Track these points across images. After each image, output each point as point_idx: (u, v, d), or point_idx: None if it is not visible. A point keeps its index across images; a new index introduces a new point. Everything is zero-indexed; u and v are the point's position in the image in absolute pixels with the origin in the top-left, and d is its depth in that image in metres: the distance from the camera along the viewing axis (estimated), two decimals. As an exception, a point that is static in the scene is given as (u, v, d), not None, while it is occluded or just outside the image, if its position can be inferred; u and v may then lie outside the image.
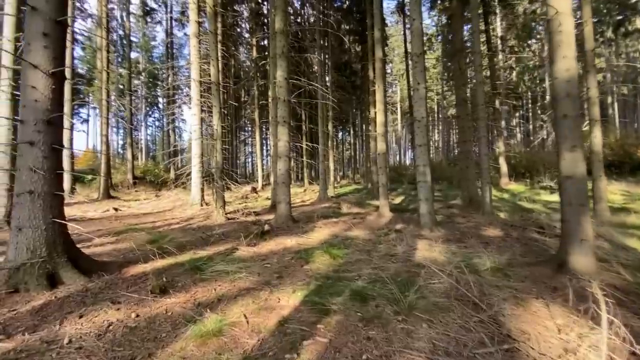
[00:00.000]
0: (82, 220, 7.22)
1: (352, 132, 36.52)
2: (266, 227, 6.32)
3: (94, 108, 47.00)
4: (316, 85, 9.27)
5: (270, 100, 10.03)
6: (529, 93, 31.44)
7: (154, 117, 48.31)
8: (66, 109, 11.27)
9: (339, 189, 21.55)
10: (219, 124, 7.22)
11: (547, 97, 25.60)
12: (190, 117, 10.30)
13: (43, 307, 2.59)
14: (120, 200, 11.60)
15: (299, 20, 25.34)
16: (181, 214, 8.58)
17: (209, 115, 10.12)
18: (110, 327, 2.34)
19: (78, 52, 35.95)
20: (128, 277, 3.37)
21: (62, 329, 2.29)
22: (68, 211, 8.85)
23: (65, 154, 11.51)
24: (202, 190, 9.88)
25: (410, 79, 19.47)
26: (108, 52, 12.29)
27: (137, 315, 2.54)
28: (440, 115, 44.44)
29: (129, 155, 17.29)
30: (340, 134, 40.61)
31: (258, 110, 23.19)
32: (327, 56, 18.96)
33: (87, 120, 47.13)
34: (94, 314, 2.52)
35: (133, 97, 46.92)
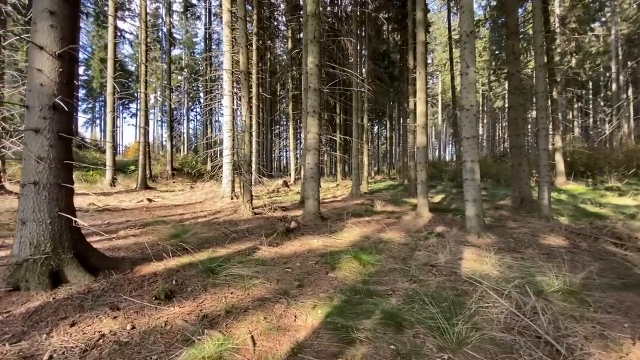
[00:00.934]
0: (115, 210, 7.35)
1: (388, 125, 35.19)
2: (292, 224, 5.92)
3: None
4: (349, 71, 8.65)
5: (303, 90, 9.59)
6: (590, 83, 28.06)
7: (196, 112, 50.38)
8: (109, 103, 11.74)
9: (373, 184, 20.77)
10: (248, 115, 6.91)
11: (614, 87, 22.55)
12: (224, 109, 10.20)
13: (38, 309, 2.36)
14: (156, 191, 11.93)
15: (335, 10, 24.64)
16: (210, 207, 8.49)
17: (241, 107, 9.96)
18: (100, 342, 2.02)
19: (127, 49, 38.15)
20: (137, 277, 3.11)
21: (48, 340, 2.01)
22: (106, 200, 9.23)
23: (108, 146, 12.04)
24: (233, 183, 9.76)
25: (457, 64, 17.98)
26: (146, 45, 12.61)
27: (133, 327, 2.21)
28: (485, 108, 41.45)
29: (168, 147, 17.89)
30: (375, 127, 39.41)
31: (292, 104, 22.97)
32: (363, 46, 18.11)
33: (135, 114, 50.36)
34: (87, 322, 2.24)
35: (176, 92, 49.17)
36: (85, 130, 46.59)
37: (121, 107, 44.70)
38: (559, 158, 16.56)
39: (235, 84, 9.88)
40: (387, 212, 8.43)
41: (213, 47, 30.92)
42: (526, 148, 10.24)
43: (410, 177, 12.98)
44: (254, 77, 18.40)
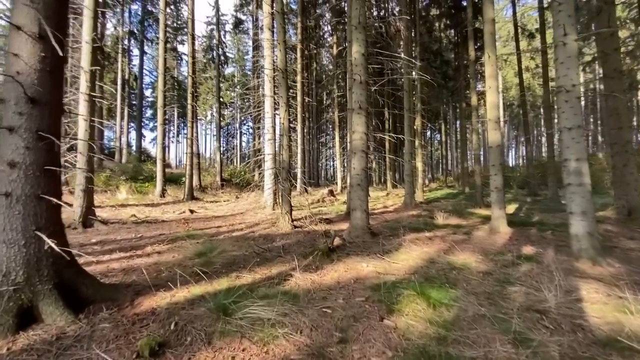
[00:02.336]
0: (153, 222, 7.10)
1: (443, 128, 32.72)
2: (336, 241, 4.95)
3: (200, 120, 53.74)
4: (401, 56, 7.57)
5: (348, 90, 8.71)
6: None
7: (248, 125, 52.56)
8: (159, 116, 12.05)
9: (429, 193, 18.92)
10: (286, 117, 6.20)
11: None
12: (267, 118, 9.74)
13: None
14: (202, 201, 11.89)
15: (382, 13, 23.65)
16: (250, 218, 7.92)
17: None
18: None
19: (184, 69, 41.13)
20: (131, 315, 2.40)
21: None
22: (149, 212, 9.15)
23: (158, 157, 12.35)
24: (275, 192, 9.14)
25: (551, 32, 15.37)
26: (193, 58, 12.86)
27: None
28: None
29: (217, 158, 18.23)
30: (428, 132, 36.93)
31: (338, 111, 22.25)
32: (414, 44, 16.76)
33: (196, 131, 54.06)
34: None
35: (230, 108, 51.79)
36: (152, 147, 51.13)
37: (182, 124, 48.29)
38: (669, 158, 13.29)
39: (275, 89, 9.36)
40: (451, 226, 7.04)
41: (260, 59, 31.72)
42: (632, 144, 8.06)
43: (476, 183, 11.23)
44: (298, 85, 18.10)
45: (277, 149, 8.27)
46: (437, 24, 23.66)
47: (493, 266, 3.92)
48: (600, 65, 8.81)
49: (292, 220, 6.35)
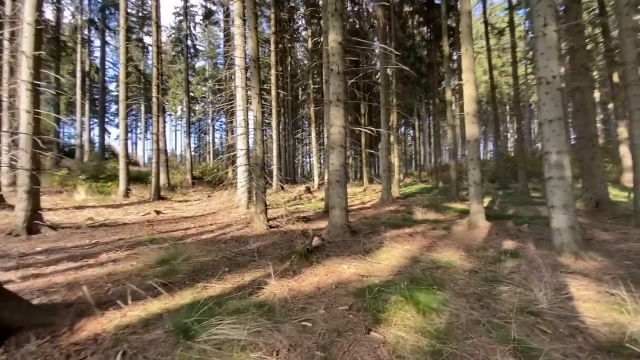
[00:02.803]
0: (113, 226, 6.44)
1: (416, 124, 33.27)
2: (315, 240, 4.65)
3: (169, 115, 51.38)
4: (382, 45, 7.35)
5: (324, 83, 8.39)
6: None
7: (221, 121, 50.87)
8: (121, 109, 11.15)
9: (404, 188, 19.09)
10: (259, 110, 5.78)
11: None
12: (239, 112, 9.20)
13: None
14: (170, 201, 11.15)
15: (356, 9, 23.47)
16: (222, 219, 7.43)
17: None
18: None
19: (152, 61, 39.11)
20: (67, 345, 1.96)
21: None
22: (110, 213, 8.35)
23: (120, 155, 11.44)
24: (249, 190, 8.67)
25: (531, 20, 15.63)
26: (158, 48, 12.00)
27: None
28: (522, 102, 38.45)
29: (187, 155, 17.33)
30: (402, 128, 37.47)
31: (314, 106, 21.89)
32: (389, 41, 16.70)
33: (164, 127, 51.61)
34: None
35: (202, 103, 49.93)
36: (118, 144, 48.35)
37: (150, 119, 45.93)
38: (625, 151, 14.17)
39: (247, 81, 8.86)
40: (430, 221, 6.95)
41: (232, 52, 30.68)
42: (599, 138, 8.37)
43: (451, 178, 11.34)
44: (272, 78, 17.54)
45: (250, 144, 7.81)
46: (410, 21, 23.84)
47: (478, 263, 3.78)
48: (569, 61, 9.07)
49: (268, 220, 5.97)
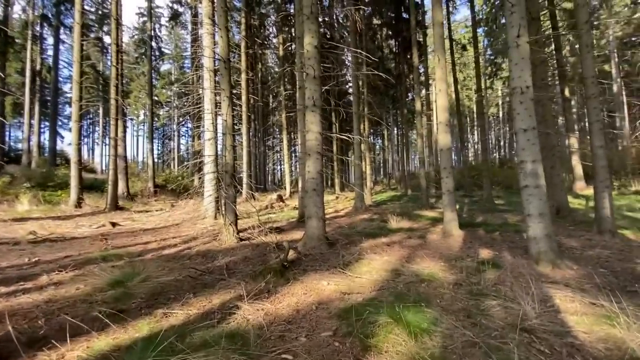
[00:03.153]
0: (59, 241, 5.67)
1: (386, 134, 34.06)
2: (290, 254, 4.33)
3: (131, 119, 48.58)
4: (357, 50, 7.28)
5: (298, 89, 8.17)
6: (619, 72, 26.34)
7: (187, 127, 48.88)
8: (74, 111, 10.17)
9: (375, 196, 19.24)
10: (230, 114, 5.41)
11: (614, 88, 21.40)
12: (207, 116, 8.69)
13: None
14: (129, 211, 10.24)
15: (327, 19, 23.74)
16: (187, 231, 6.86)
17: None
18: None
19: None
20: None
21: None
22: (57, 227, 7.40)
23: (73, 160, 10.39)
24: (217, 200, 8.15)
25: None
26: (118, 46, 11.16)
27: None
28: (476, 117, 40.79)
29: (149, 162, 16.25)
30: (371, 137, 38.22)
31: (285, 113, 21.59)
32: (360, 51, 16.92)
33: (124, 131, 48.62)
34: None
35: (167, 108, 47.79)
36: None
37: (110, 123, 43.09)
38: (576, 161, 15.31)
39: (217, 84, 8.43)
40: (405, 230, 6.89)
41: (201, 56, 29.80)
42: (557, 148, 8.87)
43: (421, 186, 11.51)
44: (243, 83, 17.07)
45: (219, 150, 7.35)
46: (379, 34, 24.51)
47: (460, 275, 3.67)
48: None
49: (238, 232, 5.55)
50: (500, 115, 41.67)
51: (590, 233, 6.02)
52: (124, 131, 13.26)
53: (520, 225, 7.50)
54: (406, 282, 3.45)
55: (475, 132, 42.78)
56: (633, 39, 20.10)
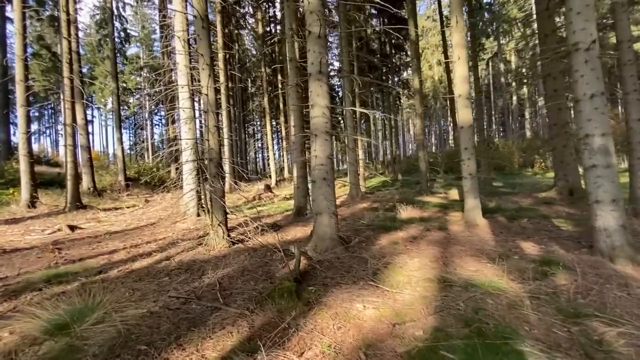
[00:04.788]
0: (-5, 255, 4.43)
1: (371, 117, 33.19)
2: (303, 262, 3.39)
3: (98, 108, 45.10)
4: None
5: (288, 61, 7.04)
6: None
7: (160, 115, 46.07)
8: (19, 93, 8.57)
9: (366, 182, 18.50)
10: (211, 86, 4.28)
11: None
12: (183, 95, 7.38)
13: None
14: (94, 210, 8.85)
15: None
16: (165, 233, 5.74)
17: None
18: None
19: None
20: None
21: None
22: None
23: (21, 152, 8.82)
24: (199, 193, 7.01)
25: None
26: (68, 15, 9.44)
27: None
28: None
29: (119, 153, 14.60)
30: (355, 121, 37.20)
31: (267, 97, 20.14)
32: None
33: (91, 122, 45.24)
34: None
35: (137, 95, 44.72)
36: (34, 142, 41.34)
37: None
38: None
39: (194, 53, 7.14)
40: (417, 220, 6.08)
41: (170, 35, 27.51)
42: (571, 125, 8.29)
43: (421, 170, 10.75)
44: (220, 63, 15.50)
45: (198, 133, 6.17)
46: (362, 13, 23.34)
47: (525, 282, 2.86)
48: (539, 45, 8.88)
49: (229, 233, 4.52)
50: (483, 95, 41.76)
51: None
52: (85, 118, 11.60)
53: (537, 209, 6.91)
54: (465, 297, 2.60)
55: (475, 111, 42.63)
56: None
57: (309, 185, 6.01)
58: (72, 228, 6.02)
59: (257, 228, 5.16)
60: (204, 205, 6.43)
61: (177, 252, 4.16)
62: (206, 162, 4.39)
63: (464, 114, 5.51)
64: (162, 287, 3.00)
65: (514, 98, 35.34)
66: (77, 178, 9.14)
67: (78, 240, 5.28)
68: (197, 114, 6.90)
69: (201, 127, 4.39)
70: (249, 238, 4.65)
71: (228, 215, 4.91)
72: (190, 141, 6.15)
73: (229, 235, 4.44)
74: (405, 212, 7.02)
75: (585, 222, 4.91)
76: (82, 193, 11.37)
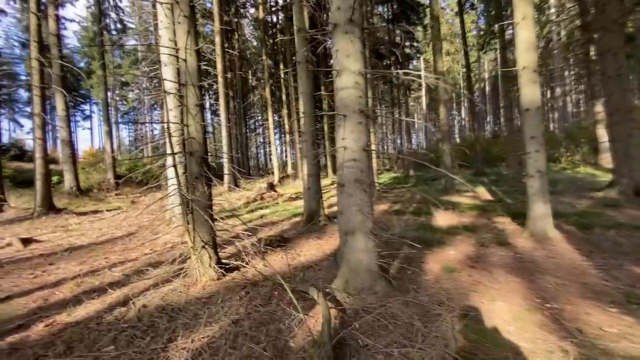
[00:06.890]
0: None
1: (377, 111, 31.81)
2: (333, 317, 2.09)
3: (96, 104, 43.85)
4: None
5: (296, 31, 5.70)
6: None
7: (159, 111, 44.86)
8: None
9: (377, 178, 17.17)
10: (192, 48, 2.98)
11: None
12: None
13: None
14: (69, 213, 7.58)
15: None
16: (141, 249, 4.47)
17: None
18: None
19: (72, 42, 33.01)
20: None
21: None
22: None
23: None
24: (184, 198, 5.70)
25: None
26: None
27: None
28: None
29: (108, 149, 13.34)
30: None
31: (269, 88, 18.69)
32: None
33: (89, 117, 44.05)
34: None
35: (135, 90, 43.48)
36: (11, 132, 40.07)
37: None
38: None
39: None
40: (462, 231, 4.78)
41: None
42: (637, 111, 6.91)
43: (445, 165, 9.38)
44: (217, 48, 14.11)
45: (173, 117, 4.79)
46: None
47: None
48: (595, 17, 7.44)
49: (218, 257, 3.23)
50: (487, 90, 40.31)
51: None
52: (67, 109, 10.33)
53: (604, 213, 5.57)
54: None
55: (462, 107, 41.23)
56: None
57: (322, 187, 4.69)
58: (25, 242, 4.76)
59: (260, 243, 3.89)
60: (188, 217, 5.14)
61: (145, 288, 2.87)
62: (186, 156, 3.10)
63: (531, 92, 4.17)
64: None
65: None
66: (49, 177, 7.86)
67: (24, 261, 4.02)
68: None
69: (180, 106, 3.08)
70: (247, 262, 3.36)
71: (222, 220, 3.63)
72: (175, 124, 4.83)
73: (218, 262, 3.15)
74: (441, 217, 5.74)
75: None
76: (63, 193, 10.16)
